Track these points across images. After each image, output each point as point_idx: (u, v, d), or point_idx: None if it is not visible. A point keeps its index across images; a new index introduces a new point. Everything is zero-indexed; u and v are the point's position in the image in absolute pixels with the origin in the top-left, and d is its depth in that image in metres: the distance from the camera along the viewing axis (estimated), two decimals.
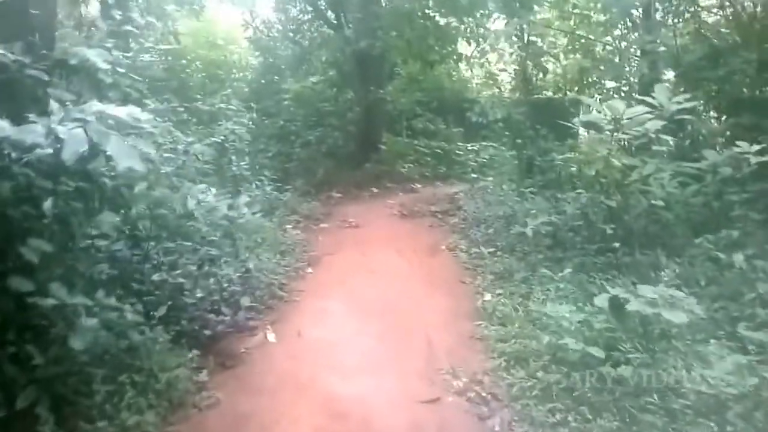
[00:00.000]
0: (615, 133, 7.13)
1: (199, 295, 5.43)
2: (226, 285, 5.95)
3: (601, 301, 5.18)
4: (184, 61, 14.11)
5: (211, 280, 5.87)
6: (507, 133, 11.61)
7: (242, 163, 8.77)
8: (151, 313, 4.88)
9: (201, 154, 7.58)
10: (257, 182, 9.78)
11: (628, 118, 6.84)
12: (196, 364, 5.05)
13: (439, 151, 18.59)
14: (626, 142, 8.20)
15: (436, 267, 8.52)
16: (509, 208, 9.63)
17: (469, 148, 19.78)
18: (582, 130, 18.32)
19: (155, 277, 5.24)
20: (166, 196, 5.55)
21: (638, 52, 12.53)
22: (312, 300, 7.11)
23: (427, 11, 12.62)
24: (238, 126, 8.66)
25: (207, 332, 5.38)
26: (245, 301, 5.72)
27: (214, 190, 5.86)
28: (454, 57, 13.16)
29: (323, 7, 17.67)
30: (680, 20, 12.26)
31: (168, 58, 13.15)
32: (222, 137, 8.17)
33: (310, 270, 8.34)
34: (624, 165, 6.95)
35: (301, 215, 11.62)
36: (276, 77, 18.12)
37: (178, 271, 5.42)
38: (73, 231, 4.52)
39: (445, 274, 8.17)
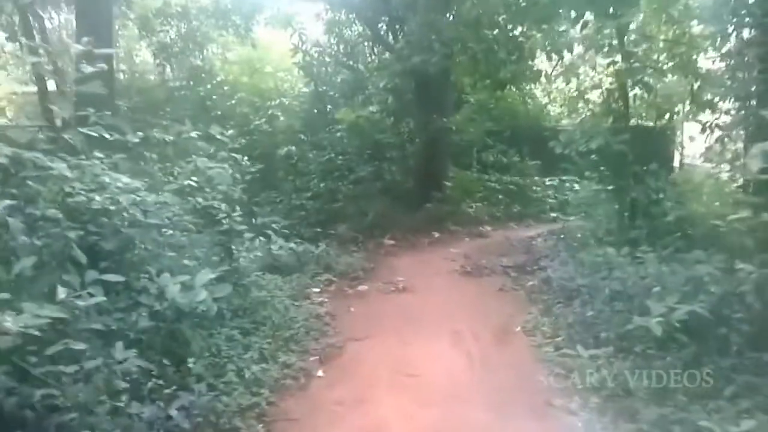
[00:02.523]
0: None
1: None
2: None
3: None
4: (206, 87, 11.62)
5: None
6: (602, 168, 8.41)
7: (235, 214, 5.98)
8: None
9: (156, 205, 4.84)
10: (263, 237, 6.94)
11: None
12: None
13: (512, 187, 15.49)
14: None
15: (508, 369, 5.43)
16: (614, 276, 6.39)
17: (548, 183, 16.61)
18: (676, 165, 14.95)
19: None
20: None
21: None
22: None
23: (497, 18, 9.59)
24: (220, 163, 5.85)
25: None
26: None
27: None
28: (530, 75, 10.06)
29: (383, 30, 14.94)
30: None
31: (189, 83, 10.76)
32: (193, 180, 5.39)
33: (320, 373, 5.39)
34: None
35: (335, 273, 8.76)
36: (329, 106, 15.46)
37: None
38: None
39: (522, 385, 5.08)
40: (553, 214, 15.13)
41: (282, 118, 11.47)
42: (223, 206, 5.99)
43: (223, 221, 5.98)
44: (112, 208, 4.55)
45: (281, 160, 11.55)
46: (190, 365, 4.28)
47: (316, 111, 15.54)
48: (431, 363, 5.61)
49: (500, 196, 14.95)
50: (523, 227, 13.89)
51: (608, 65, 8.69)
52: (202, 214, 5.75)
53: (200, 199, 5.59)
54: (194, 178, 5.45)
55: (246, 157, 6.80)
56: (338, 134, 14.96)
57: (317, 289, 7.95)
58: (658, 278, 5.76)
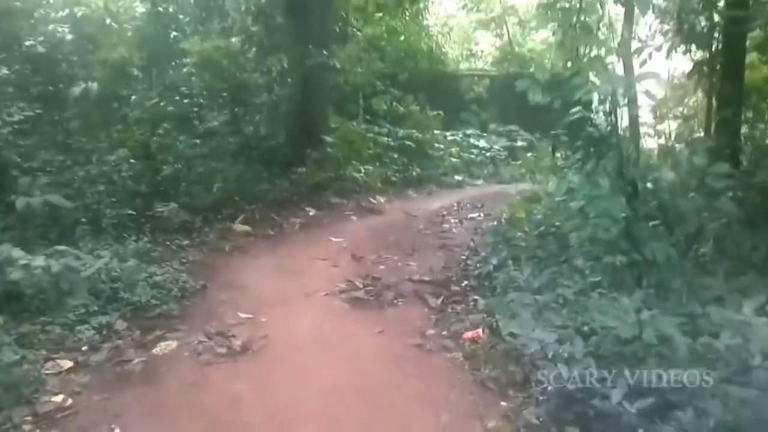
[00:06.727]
0: None
1: None
2: None
3: None
4: None
5: None
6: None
7: None
8: None
9: None
10: None
11: None
12: None
13: (409, 143, 11.61)
14: None
15: None
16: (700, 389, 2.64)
17: (450, 137, 12.93)
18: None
19: None
20: None
21: None
22: None
23: None
24: None
25: None
26: None
27: None
28: None
29: None
30: None
31: None
32: None
33: None
34: None
35: (127, 308, 4.52)
36: (174, 33, 10.78)
37: None
38: None
39: None
40: (458, 177, 11.53)
41: (70, 37, 6.82)
42: None
43: None
44: None
45: (78, 102, 7.00)
46: None
47: (154, 39, 10.79)
48: None
49: (395, 155, 11.06)
50: (425, 195, 10.18)
51: None
52: None
53: None
54: None
55: None
56: (185, 70, 10.38)
57: (70, 363, 3.70)
58: None
